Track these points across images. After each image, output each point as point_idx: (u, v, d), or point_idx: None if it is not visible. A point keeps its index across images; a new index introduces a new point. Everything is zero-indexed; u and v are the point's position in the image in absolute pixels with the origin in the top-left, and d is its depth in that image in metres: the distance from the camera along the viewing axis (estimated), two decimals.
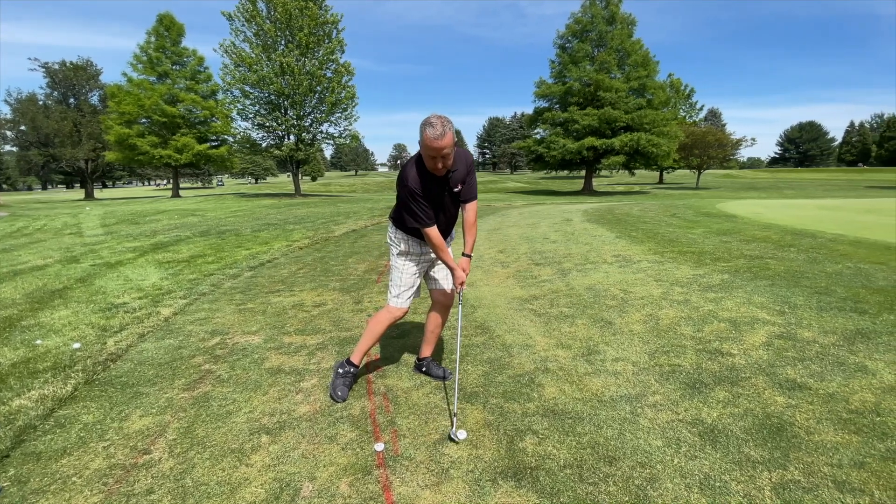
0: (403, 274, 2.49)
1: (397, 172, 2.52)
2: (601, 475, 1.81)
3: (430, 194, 2.27)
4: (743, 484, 1.73)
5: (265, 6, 26.02)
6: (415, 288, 2.54)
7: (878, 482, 1.70)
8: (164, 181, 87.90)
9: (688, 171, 51.22)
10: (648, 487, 1.73)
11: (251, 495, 1.77)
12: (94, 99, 38.56)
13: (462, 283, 2.40)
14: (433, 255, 2.53)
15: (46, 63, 36.46)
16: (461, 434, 2.10)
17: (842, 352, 2.73)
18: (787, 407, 2.21)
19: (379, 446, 2.05)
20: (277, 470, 1.92)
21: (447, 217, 2.43)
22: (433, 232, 2.30)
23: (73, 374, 2.85)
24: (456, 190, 2.34)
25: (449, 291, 2.59)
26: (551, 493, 1.73)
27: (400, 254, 2.51)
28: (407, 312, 2.60)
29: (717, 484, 1.73)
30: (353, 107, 28.45)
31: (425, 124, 2.07)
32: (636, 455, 1.92)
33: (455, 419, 2.17)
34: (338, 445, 2.08)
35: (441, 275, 2.58)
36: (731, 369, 2.61)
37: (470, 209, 2.41)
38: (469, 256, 2.44)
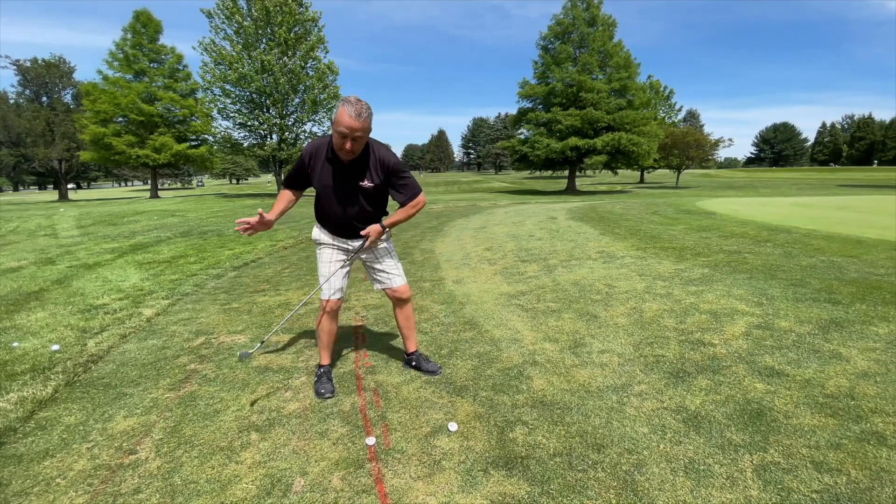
0: (321, 264, 2.51)
1: None
2: (590, 462, 1.85)
3: (323, 175, 2.28)
4: (725, 467, 1.78)
5: (245, 3, 25.63)
6: (338, 278, 2.48)
7: (854, 462, 1.77)
8: (141, 182, 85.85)
9: (668, 170, 52.20)
10: (636, 473, 1.78)
11: (242, 492, 1.76)
12: (68, 97, 37.52)
13: (367, 239, 2.40)
14: (350, 245, 2.48)
15: (18, 60, 35.34)
16: (452, 426, 2.12)
17: (817, 340, 2.84)
18: (767, 393, 2.29)
19: (370, 440, 2.05)
20: (268, 466, 1.91)
21: (343, 210, 2.35)
22: (281, 191, 2.47)
23: (52, 376, 2.78)
24: (363, 185, 2.28)
25: (397, 287, 2.57)
26: (542, 480, 1.76)
27: (317, 244, 2.55)
28: (340, 304, 2.54)
29: (701, 467, 1.79)
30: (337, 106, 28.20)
31: (343, 101, 2.06)
32: (623, 442, 1.97)
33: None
34: (329, 441, 2.07)
35: (383, 275, 2.57)
36: (713, 358, 2.69)
37: (409, 204, 2.41)
38: (382, 227, 2.39)
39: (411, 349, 2.77)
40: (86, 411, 2.40)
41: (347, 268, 2.55)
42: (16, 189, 78.09)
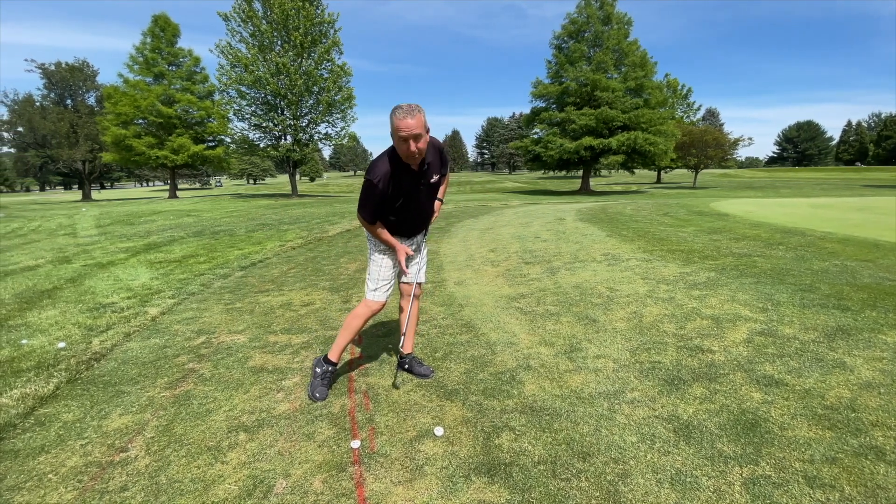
0: (381, 268, 2.51)
1: None
2: (574, 471, 1.82)
3: (403, 189, 2.27)
4: (714, 479, 1.74)
5: (261, 7, 26.01)
6: (392, 282, 2.58)
7: (849, 478, 1.71)
8: (162, 182, 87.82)
9: (686, 170, 51.28)
10: (620, 483, 1.74)
11: (224, 492, 1.77)
12: (91, 100, 38.59)
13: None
14: (411, 241, 2.58)
15: (43, 64, 36.46)
16: (438, 431, 2.11)
17: (821, 348, 2.75)
18: (763, 403, 2.22)
19: (355, 443, 2.06)
20: (252, 467, 1.92)
21: (422, 212, 2.47)
22: (376, 228, 2.38)
23: (55, 373, 2.85)
24: (433, 181, 2.36)
25: (420, 281, 2.66)
26: (523, 488, 1.74)
27: (378, 249, 2.53)
28: (384, 306, 2.60)
29: (688, 479, 1.74)
30: (351, 108, 28.44)
31: (393, 109, 2.07)
32: (610, 451, 1.93)
33: None
34: (314, 443, 2.08)
35: (415, 266, 2.63)
36: (710, 366, 2.63)
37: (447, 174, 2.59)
38: (441, 200, 2.61)
39: (407, 350, 2.77)
40: (84, 408, 2.46)
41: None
42: (42, 189, 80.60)
